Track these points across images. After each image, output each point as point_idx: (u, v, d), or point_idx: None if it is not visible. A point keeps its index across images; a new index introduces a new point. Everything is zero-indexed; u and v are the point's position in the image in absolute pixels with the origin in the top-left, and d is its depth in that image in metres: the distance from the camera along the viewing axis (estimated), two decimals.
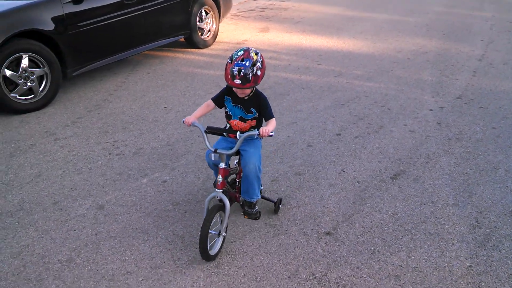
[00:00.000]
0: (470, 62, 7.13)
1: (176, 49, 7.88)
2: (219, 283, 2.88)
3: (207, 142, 2.91)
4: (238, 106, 3.03)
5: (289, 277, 2.92)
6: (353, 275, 2.92)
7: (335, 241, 3.23)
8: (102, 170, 4.12)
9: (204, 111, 3.09)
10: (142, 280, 2.90)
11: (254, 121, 3.06)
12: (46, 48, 5.37)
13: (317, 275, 2.94)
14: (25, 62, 5.23)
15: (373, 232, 3.33)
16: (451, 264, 3.03)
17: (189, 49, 7.83)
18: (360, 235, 3.30)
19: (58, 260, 3.06)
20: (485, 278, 2.91)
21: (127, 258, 3.08)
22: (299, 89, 6.08)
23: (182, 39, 7.64)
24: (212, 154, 2.86)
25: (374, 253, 3.12)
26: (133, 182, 3.94)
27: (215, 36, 8.13)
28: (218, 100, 3.09)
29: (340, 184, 3.92)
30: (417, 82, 6.31)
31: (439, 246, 3.19)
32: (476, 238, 3.27)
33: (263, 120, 3.09)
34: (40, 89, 5.46)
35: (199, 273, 2.96)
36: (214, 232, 2.95)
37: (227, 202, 2.89)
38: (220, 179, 2.90)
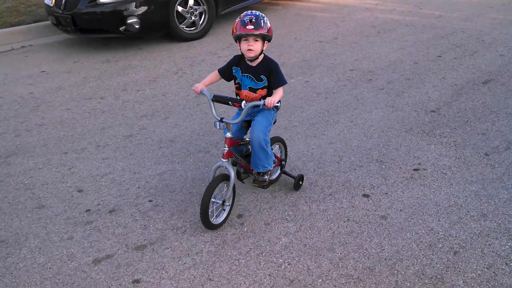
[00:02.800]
0: None
1: None
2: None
3: (213, 111, 2.83)
4: (248, 76, 2.89)
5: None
6: (451, 134, 4.25)
7: (438, 115, 4.58)
8: None
9: (213, 80, 2.99)
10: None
11: (265, 90, 2.90)
12: None
13: (426, 130, 4.31)
14: (191, 1, 6.90)
15: (466, 111, 4.61)
16: None
17: None
18: (456, 113, 4.62)
19: None
20: None
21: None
22: (404, 26, 7.32)
23: None
24: (218, 123, 2.77)
25: (467, 122, 4.44)
26: None
27: None
28: (226, 72, 2.97)
29: (441, 86, 5.21)
30: (510, 22, 7.32)
31: None
32: None
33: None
34: (200, 22, 7.14)
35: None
36: (217, 201, 2.92)
37: (232, 172, 2.85)
38: (226, 148, 2.84)
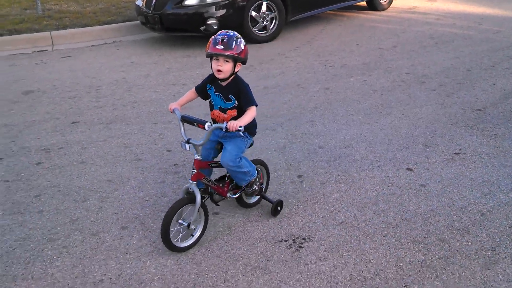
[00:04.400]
0: None
1: (358, 11, 9.97)
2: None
3: (182, 131, 2.80)
4: (218, 95, 2.87)
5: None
6: (493, 128, 4.72)
7: (484, 113, 5.04)
8: (319, 75, 6.36)
9: (189, 98, 2.99)
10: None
11: (235, 111, 2.86)
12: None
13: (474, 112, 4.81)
14: (264, 7, 7.69)
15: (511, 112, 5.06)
16: None
17: (368, 11, 9.87)
18: (501, 112, 5.06)
19: None
20: None
21: None
22: (462, 39, 7.78)
23: (364, 3, 9.72)
24: (184, 144, 2.76)
25: (509, 120, 4.89)
26: (345, 79, 6.13)
27: (390, 2, 10.04)
28: (201, 90, 2.96)
29: (490, 90, 5.63)
30: None
31: None
32: None
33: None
34: (271, 27, 7.91)
35: None
36: (184, 223, 2.88)
37: (198, 196, 2.78)
38: (194, 170, 2.80)
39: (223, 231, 3.18)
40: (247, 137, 2.98)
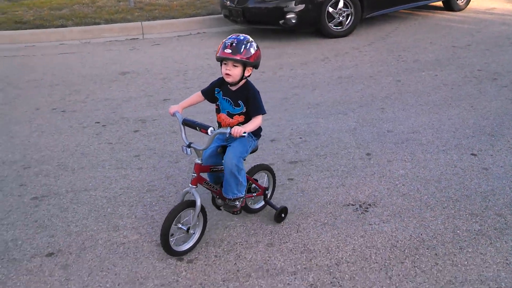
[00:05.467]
0: None
1: (434, 10, 10.07)
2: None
3: (183, 135, 2.75)
4: (227, 99, 2.81)
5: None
6: None
7: None
8: (392, 68, 6.64)
9: (192, 102, 2.93)
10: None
11: (242, 117, 2.80)
12: None
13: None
14: (341, 4, 8.04)
15: None
16: None
17: (444, 11, 9.95)
18: None
19: None
20: None
21: None
22: None
23: (440, 3, 9.81)
24: (185, 148, 2.72)
25: None
26: (416, 73, 6.37)
27: (467, 2, 10.06)
28: (208, 93, 2.89)
29: None
30: None
31: None
32: None
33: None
34: (346, 23, 8.25)
35: None
36: (183, 227, 2.86)
37: (198, 200, 2.75)
38: (194, 174, 2.77)
39: (297, 194, 3.62)
40: (252, 137, 2.90)
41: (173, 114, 2.81)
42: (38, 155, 4.34)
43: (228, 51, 2.61)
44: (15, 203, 3.59)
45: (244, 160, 2.89)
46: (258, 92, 2.81)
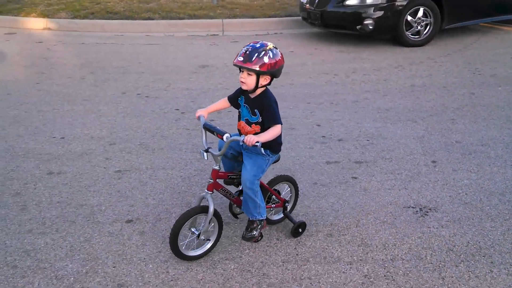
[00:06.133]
0: None
1: None
2: None
3: (203, 139, 2.74)
4: (246, 107, 2.77)
5: None
6: None
7: None
8: (467, 81, 6.54)
9: (218, 107, 2.94)
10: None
11: (258, 127, 2.73)
12: (435, 6, 8.07)
13: None
14: (420, 13, 8.03)
15: None
16: None
17: None
18: None
19: None
20: None
21: None
22: None
23: None
24: (203, 153, 2.71)
25: None
26: (492, 88, 6.28)
27: None
28: (234, 99, 2.86)
29: None
30: None
31: None
32: None
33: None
34: (424, 32, 8.22)
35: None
36: (195, 232, 2.85)
37: (211, 206, 2.73)
38: (210, 180, 2.75)
39: (359, 192, 3.78)
40: (269, 155, 2.82)
41: (198, 118, 2.80)
42: (123, 134, 4.76)
43: (240, 59, 2.57)
44: (101, 174, 3.99)
45: (258, 179, 2.84)
46: (275, 101, 2.72)
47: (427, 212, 3.48)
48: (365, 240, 3.15)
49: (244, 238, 2.94)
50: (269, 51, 2.59)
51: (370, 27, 7.76)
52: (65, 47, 8.12)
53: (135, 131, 4.80)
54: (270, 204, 3.11)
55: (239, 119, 2.85)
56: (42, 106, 5.51)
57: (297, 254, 3.02)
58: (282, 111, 4.89)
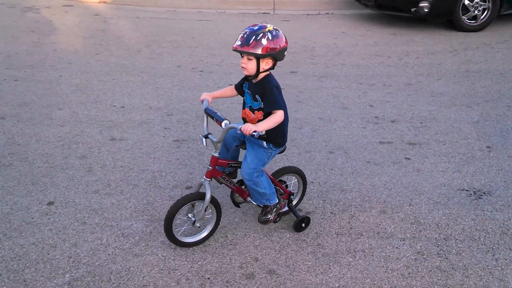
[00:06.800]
0: None
1: None
2: None
3: (204, 124, 2.66)
4: (249, 93, 2.64)
5: None
6: None
7: None
8: None
9: (223, 94, 2.83)
10: None
11: (261, 113, 2.59)
12: None
13: None
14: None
15: None
16: None
17: None
18: None
19: None
20: None
21: None
22: None
23: None
24: (203, 138, 2.60)
25: None
26: None
27: None
28: (239, 87, 2.74)
29: None
30: None
31: None
32: None
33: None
34: (481, 17, 8.01)
35: None
36: (192, 218, 2.79)
37: (208, 193, 2.64)
38: (209, 167, 2.65)
39: (412, 172, 3.81)
40: (271, 148, 2.69)
41: (202, 101, 2.70)
42: (179, 105, 4.93)
43: (238, 43, 2.43)
44: (160, 142, 4.17)
45: (258, 171, 2.70)
46: (277, 86, 2.56)
47: (481, 195, 3.48)
48: (418, 219, 3.20)
49: (259, 221, 2.85)
50: (268, 33, 2.43)
51: (426, 10, 7.64)
52: (121, 21, 8.35)
53: (191, 104, 4.95)
54: None
55: (244, 107, 2.71)
56: (101, 76, 5.73)
57: (350, 228, 3.10)
58: (334, 90, 4.98)
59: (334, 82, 5.59)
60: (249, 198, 2.85)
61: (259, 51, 2.40)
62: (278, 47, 2.45)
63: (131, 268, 2.70)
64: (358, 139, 4.27)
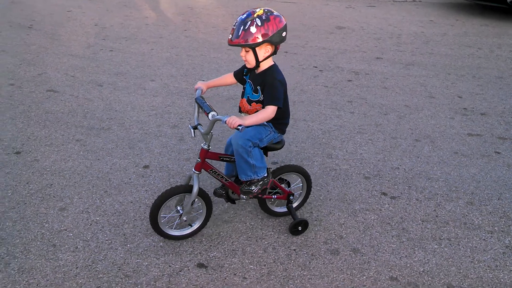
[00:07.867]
0: None
1: None
2: None
3: (195, 114, 2.52)
4: (250, 84, 2.50)
5: None
6: None
7: None
8: None
9: (222, 82, 2.66)
10: None
11: (260, 105, 2.46)
12: None
13: None
14: None
15: None
16: None
17: None
18: None
19: None
20: None
21: None
22: None
23: None
24: (191, 129, 2.46)
25: None
26: None
27: None
28: (239, 74, 2.60)
29: None
30: None
31: None
32: None
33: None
34: None
35: None
36: (180, 211, 2.68)
37: (195, 187, 2.49)
38: (198, 159, 2.52)
39: (502, 167, 3.71)
40: (271, 128, 2.55)
41: (196, 90, 2.55)
42: None
43: (229, 37, 2.31)
44: None
45: (252, 144, 2.50)
46: (281, 81, 2.40)
47: None
48: (508, 213, 3.14)
49: (241, 191, 2.62)
50: (256, 19, 2.26)
51: None
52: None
53: None
54: (270, 195, 2.84)
55: (242, 96, 2.58)
56: (190, 51, 5.94)
57: (436, 216, 3.09)
58: (421, 79, 4.89)
59: (421, 71, 5.49)
60: (242, 195, 2.64)
61: (249, 41, 2.26)
62: (271, 31, 2.28)
63: (221, 233, 2.85)
64: (446, 129, 4.20)
